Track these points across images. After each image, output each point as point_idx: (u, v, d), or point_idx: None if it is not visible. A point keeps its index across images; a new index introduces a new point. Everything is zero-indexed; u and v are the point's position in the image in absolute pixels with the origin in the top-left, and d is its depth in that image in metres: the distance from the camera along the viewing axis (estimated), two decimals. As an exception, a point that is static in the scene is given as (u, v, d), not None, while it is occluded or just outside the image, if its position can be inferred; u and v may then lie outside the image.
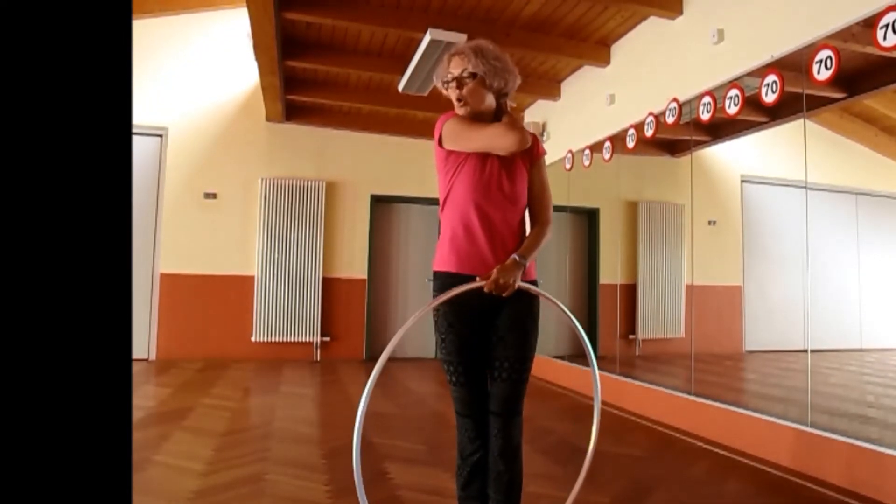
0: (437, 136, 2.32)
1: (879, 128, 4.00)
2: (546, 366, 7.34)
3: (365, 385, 1.83)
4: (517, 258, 2.16)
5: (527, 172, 2.35)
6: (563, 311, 2.33)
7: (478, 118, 2.33)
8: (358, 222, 9.36)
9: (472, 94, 2.29)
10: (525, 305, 2.29)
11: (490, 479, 2.25)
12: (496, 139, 2.21)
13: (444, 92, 2.40)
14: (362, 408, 1.91)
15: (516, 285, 2.12)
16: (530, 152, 2.36)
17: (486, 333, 2.31)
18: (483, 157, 2.28)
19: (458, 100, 2.31)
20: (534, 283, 2.30)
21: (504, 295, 2.11)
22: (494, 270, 2.10)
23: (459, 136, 2.25)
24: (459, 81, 2.29)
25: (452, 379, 2.28)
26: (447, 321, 2.27)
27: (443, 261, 2.31)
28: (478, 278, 2.14)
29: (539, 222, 2.36)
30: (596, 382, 2.37)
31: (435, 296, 2.27)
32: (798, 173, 4.15)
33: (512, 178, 2.29)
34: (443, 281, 2.28)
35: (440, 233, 2.37)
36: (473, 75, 2.28)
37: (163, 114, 8.49)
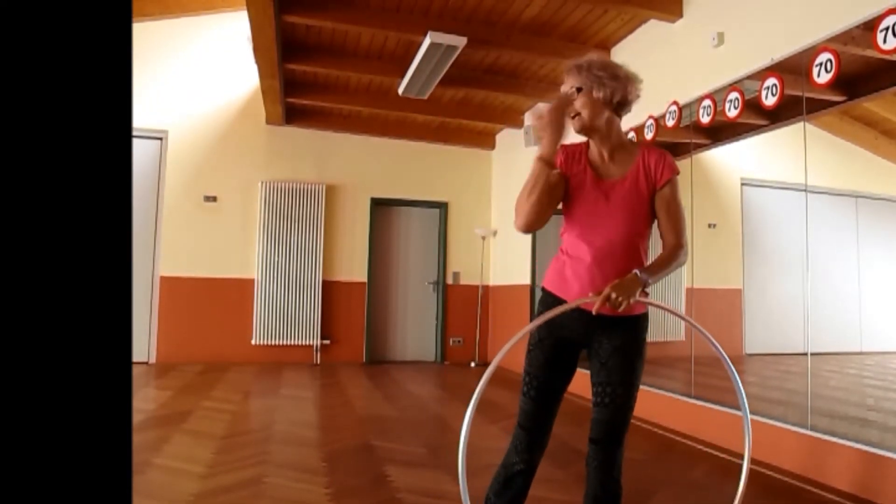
0: None
1: (880, 131, 3.99)
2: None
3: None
4: (638, 273, 2.03)
5: (647, 195, 2.20)
6: (705, 336, 2.20)
7: (593, 134, 2.24)
8: (358, 225, 9.36)
9: (584, 107, 2.19)
10: (629, 333, 2.19)
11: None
12: (520, 197, 2.18)
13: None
14: (468, 419, 1.91)
15: (632, 302, 1.99)
16: (650, 175, 2.20)
17: (577, 354, 2.26)
18: (590, 186, 2.21)
19: (571, 117, 2.22)
20: (642, 316, 2.23)
21: (619, 310, 1.99)
22: (609, 287, 1.98)
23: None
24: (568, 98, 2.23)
25: (524, 390, 2.23)
26: (539, 335, 2.24)
27: (548, 281, 2.28)
28: (591, 294, 2.05)
29: (668, 244, 2.20)
30: (747, 426, 2.20)
31: (538, 309, 2.27)
32: (798, 176, 4.15)
33: (628, 208, 2.18)
34: (543, 298, 2.28)
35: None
36: (579, 89, 2.19)
37: (163, 117, 8.50)
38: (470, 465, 4.14)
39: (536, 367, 2.22)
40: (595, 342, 2.20)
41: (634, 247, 2.19)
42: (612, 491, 2.16)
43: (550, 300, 2.24)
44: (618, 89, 2.19)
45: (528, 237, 8.33)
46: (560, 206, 2.29)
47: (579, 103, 2.20)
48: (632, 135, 5.91)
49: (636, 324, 2.21)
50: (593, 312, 2.01)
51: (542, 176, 2.13)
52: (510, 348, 1.89)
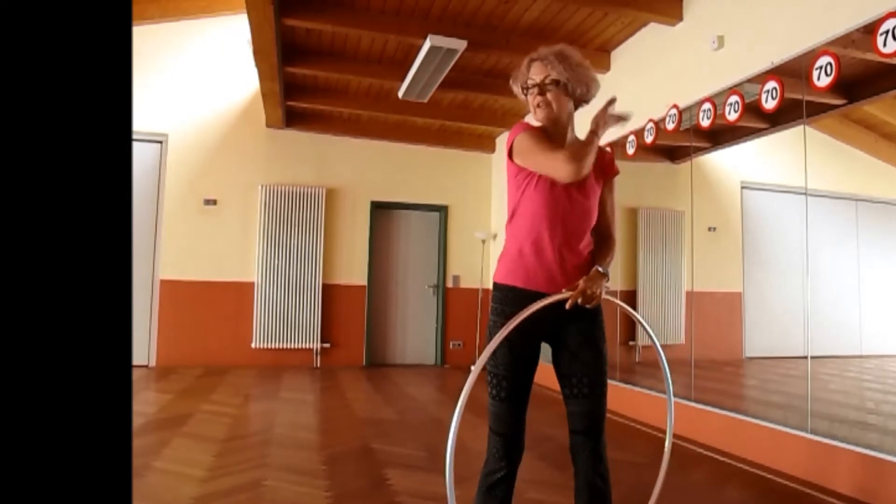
0: (508, 148, 2.25)
1: (879, 134, 4.00)
2: (542, 371, 7.26)
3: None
4: (601, 269, 2.11)
5: (599, 189, 2.28)
6: (646, 330, 2.32)
7: (557, 126, 2.26)
8: (358, 229, 9.36)
9: (555, 101, 2.21)
10: (593, 321, 2.23)
11: (586, 496, 2.18)
12: (555, 170, 2.10)
13: (520, 97, 2.33)
14: (456, 419, 1.91)
15: (602, 296, 2.08)
16: (605, 170, 2.29)
17: (538, 352, 2.27)
18: None
19: (538, 106, 2.23)
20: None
21: (589, 306, 2.07)
22: (581, 282, 2.05)
23: (527, 156, 2.18)
24: (541, 88, 2.21)
25: (494, 392, 2.20)
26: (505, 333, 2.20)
27: (508, 275, 2.24)
28: (564, 290, 2.08)
29: (611, 239, 2.31)
30: (671, 408, 2.34)
31: (494, 307, 2.25)
32: (798, 180, 4.15)
33: (585, 195, 2.22)
34: (505, 294, 2.23)
35: (505, 245, 2.30)
36: (557, 82, 2.20)
37: (163, 120, 8.50)
38: (468, 467, 4.13)
39: (506, 367, 2.19)
40: (562, 333, 2.22)
41: (587, 233, 2.26)
42: (604, 474, 2.18)
43: (517, 294, 2.19)
44: (591, 88, 2.28)
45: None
46: (511, 196, 2.31)
47: (552, 95, 2.22)
48: (631, 138, 5.92)
49: (597, 309, 2.24)
50: (567, 307, 2.05)
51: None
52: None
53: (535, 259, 2.19)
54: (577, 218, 2.21)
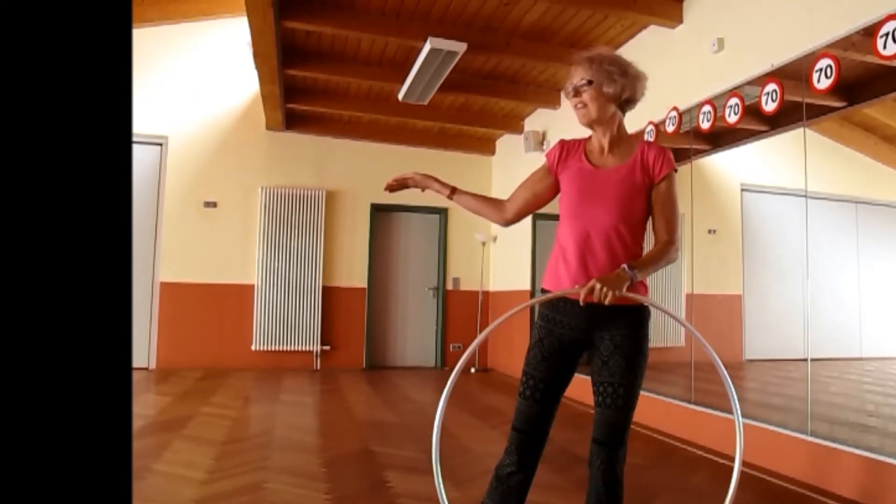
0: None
1: (880, 137, 4.00)
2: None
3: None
4: (625, 268, 2.02)
5: (643, 187, 2.21)
6: (688, 328, 2.21)
7: (599, 127, 2.27)
8: (358, 231, 9.36)
9: (591, 100, 2.22)
10: (629, 329, 2.16)
11: None
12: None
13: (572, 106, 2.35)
14: (439, 416, 1.91)
15: (618, 295, 1.95)
16: (648, 168, 2.21)
17: (577, 357, 2.24)
18: (581, 174, 2.25)
19: (576, 108, 2.26)
20: (644, 309, 2.20)
21: (606, 302, 1.94)
22: (594, 278, 1.97)
23: None
24: (577, 90, 2.24)
25: (521, 390, 2.23)
26: (539, 334, 2.23)
27: (545, 278, 2.31)
28: (576, 287, 2.05)
29: (659, 240, 2.21)
30: (739, 429, 2.19)
31: (538, 309, 2.28)
32: (798, 182, 4.15)
33: (618, 196, 2.18)
34: (541, 296, 2.26)
35: None
36: (590, 82, 2.22)
37: (163, 122, 8.51)
38: (468, 470, 4.14)
39: (533, 367, 2.21)
40: (597, 338, 2.18)
41: (623, 237, 2.18)
42: (614, 489, 2.15)
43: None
44: (627, 86, 2.23)
45: (528, 242, 8.34)
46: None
47: (588, 96, 2.22)
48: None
49: (638, 318, 2.18)
50: (580, 303, 1.99)
51: (462, 202, 2.68)
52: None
53: (562, 264, 2.22)
54: (596, 218, 2.18)
